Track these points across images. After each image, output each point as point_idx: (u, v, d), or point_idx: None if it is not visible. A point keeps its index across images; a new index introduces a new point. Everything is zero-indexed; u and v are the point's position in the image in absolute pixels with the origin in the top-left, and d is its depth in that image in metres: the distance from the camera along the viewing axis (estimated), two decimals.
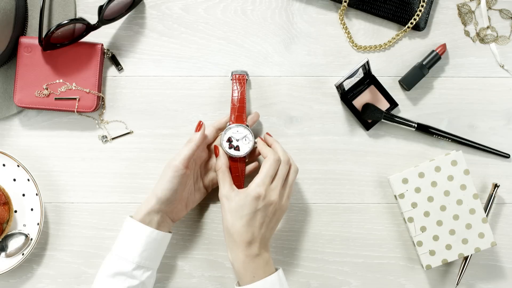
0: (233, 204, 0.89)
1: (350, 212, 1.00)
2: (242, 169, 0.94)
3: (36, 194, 0.97)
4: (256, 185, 0.89)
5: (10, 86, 0.99)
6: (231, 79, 0.96)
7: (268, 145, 0.94)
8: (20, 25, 0.97)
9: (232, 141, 0.94)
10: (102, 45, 0.98)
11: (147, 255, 0.88)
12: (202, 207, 1.00)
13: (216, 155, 0.94)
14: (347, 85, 0.98)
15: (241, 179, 0.94)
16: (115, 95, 1.00)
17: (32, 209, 0.98)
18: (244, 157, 0.94)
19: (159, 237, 0.90)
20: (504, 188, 1.00)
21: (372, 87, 1.00)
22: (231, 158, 0.94)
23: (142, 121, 1.00)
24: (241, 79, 0.96)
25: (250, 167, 0.97)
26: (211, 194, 1.00)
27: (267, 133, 0.97)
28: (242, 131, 0.94)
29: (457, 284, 0.98)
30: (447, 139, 0.99)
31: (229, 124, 0.95)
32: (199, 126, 0.92)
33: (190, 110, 1.00)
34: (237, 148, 0.94)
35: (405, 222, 0.97)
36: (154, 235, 0.89)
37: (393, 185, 0.97)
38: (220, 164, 0.92)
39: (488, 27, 1.00)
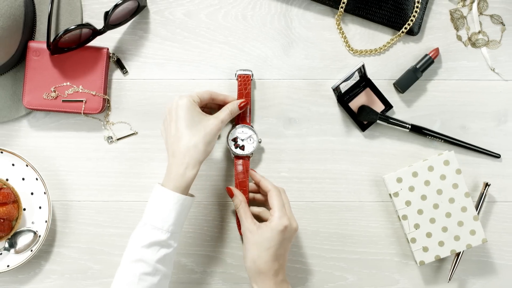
0: (257, 236, 0.90)
1: (346, 210, 1.00)
2: (246, 166, 0.97)
3: (44, 193, 0.98)
4: (279, 218, 0.90)
5: (19, 88, 0.99)
6: (236, 79, 0.98)
7: (256, 182, 0.96)
8: (29, 30, 0.98)
9: (237, 141, 0.97)
10: (108, 49, 0.99)
11: (179, 222, 0.88)
12: (204, 207, 1.01)
13: (231, 196, 0.95)
14: (344, 87, 0.99)
15: (246, 175, 0.97)
16: (120, 97, 1.01)
17: (40, 207, 0.99)
18: (249, 156, 0.97)
19: (189, 203, 0.89)
20: (494, 187, 1.00)
21: (368, 89, 1.00)
22: (236, 157, 0.97)
23: (146, 122, 1.00)
24: (247, 80, 0.97)
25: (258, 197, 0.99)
26: (210, 196, 1.00)
27: (251, 169, 0.98)
28: (247, 131, 0.97)
29: (449, 279, 0.98)
30: (440, 140, 0.99)
31: (234, 125, 0.97)
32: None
33: None
34: (242, 148, 0.97)
35: (399, 219, 0.98)
36: (186, 202, 0.88)
37: (388, 184, 0.97)
38: (238, 202, 0.94)
39: (479, 32, 1.00)
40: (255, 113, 1.01)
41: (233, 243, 1.01)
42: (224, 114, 0.92)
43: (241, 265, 1.01)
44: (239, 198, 0.94)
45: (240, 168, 0.98)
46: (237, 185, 0.98)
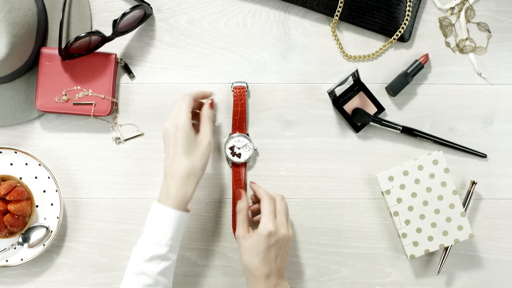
0: (248, 243, 0.91)
1: (341, 207, 1.01)
2: (243, 173, 0.99)
3: (56, 191, 0.99)
4: (264, 224, 0.91)
5: (32, 92, 1.00)
6: (232, 90, 1.00)
7: (253, 191, 0.97)
8: (42, 37, 0.98)
9: (234, 149, 0.99)
10: (116, 55, 0.99)
11: (177, 236, 0.90)
12: (206, 204, 1.02)
13: (239, 198, 0.96)
14: (339, 91, 0.99)
15: (242, 182, 0.99)
16: (127, 100, 1.01)
17: (52, 204, 1.00)
18: (245, 163, 1.00)
19: (187, 219, 0.91)
20: (481, 185, 1.01)
21: (361, 93, 1.01)
22: (234, 164, 1.00)
23: (152, 124, 1.01)
24: (242, 92, 0.99)
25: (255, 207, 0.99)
26: (212, 194, 1.01)
27: (251, 182, 1.00)
28: (243, 140, 0.99)
29: (438, 272, 0.99)
30: (429, 141, 1.00)
31: (231, 134, 0.99)
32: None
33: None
34: (238, 155, 0.99)
35: (391, 216, 0.99)
36: (184, 218, 0.90)
37: (380, 182, 0.98)
38: (242, 207, 0.95)
39: (467, 39, 1.01)
40: (254, 116, 1.02)
41: (234, 238, 1.02)
42: (207, 126, 0.93)
43: None
44: (243, 204, 0.95)
45: (237, 175, 1.00)
46: (234, 191, 1.00)
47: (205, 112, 0.95)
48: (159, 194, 0.92)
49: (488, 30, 1.02)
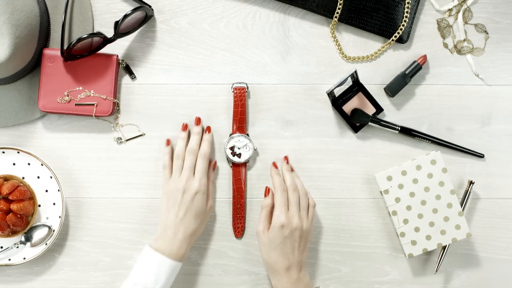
0: (265, 238, 0.94)
1: (340, 207, 1.02)
2: (243, 173, 1.00)
3: (58, 190, 0.99)
4: (277, 216, 0.93)
5: (35, 93, 1.00)
6: (232, 91, 1.00)
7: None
8: (44, 39, 0.99)
9: (234, 149, 0.99)
10: (117, 56, 1.00)
11: (169, 281, 0.93)
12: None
13: (266, 195, 0.98)
14: (338, 92, 1.00)
15: (242, 181, 1.00)
16: (129, 101, 1.02)
17: (54, 204, 1.00)
18: (245, 162, 1.00)
19: (179, 268, 0.95)
20: (478, 184, 1.01)
21: (360, 94, 1.01)
22: (234, 164, 1.00)
23: (153, 125, 1.02)
24: (242, 92, 0.99)
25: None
26: (218, 192, 1.02)
27: (285, 158, 1.00)
28: (243, 140, 1.00)
29: (436, 271, 0.99)
30: (427, 141, 1.00)
31: (231, 134, 1.00)
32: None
33: (197, 114, 1.01)
34: (239, 155, 0.99)
35: (389, 215, 1.00)
36: (178, 268, 0.94)
37: (379, 182, 0.99)
38: (267, 203, 0.96)
39: (464, 40, 1.02)
40: (254, 116, 1.02)
41: (234, 237, 1.02)
42: (211, 191, 0.98)
43: (241, 257, 1.02)
44: (268, 201, 0.96)
45: (237, 174, 1.01)
46: (234, 190, 1.01)
47: (210, 176, 0.98)
48: (154, 241, 0.94)
49: (486, 32, 1.02)
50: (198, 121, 0.99)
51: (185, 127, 0.99)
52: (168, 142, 0.99)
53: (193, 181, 0.95)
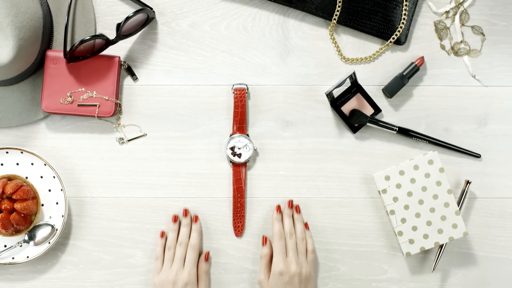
0: (268, 286, 0.95)
1: (339, 206, 1.02)
2: (243, 173, 1.00)
3: (61, 190, 1.00)
4: (275, 264, 0.94)
5: (38, 94, 1.00)
6: (233, 92, 1.01)
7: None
8: (47, 40, 0.99)
9: (234, 150, 1.00)
10: (119, 57, 1.00)
11: None
12: (207, 203, 1.02)
13: (263, 244, 0.98)
14: (336, 93, 1.00)
15: (242, 181, 1.00)
16: (130, 101, 1.02)
17: (57, 203, 1.00)
18: (245, 162, 1.01)
19: None
20: (475, 184, 1.02)
21: (359, 95, 1.01)
22: (234, 164, 1.01)
23: (154, 125, 1.02)
24: (242, 93, 0.99)
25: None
26: (213, 193, 1.02)
27: (290, 202, 1.00)
28: (243, 140, 1.00)
29: (433, 269, 1.00)
30: (425, 141, 1.01)
31: (232, 134, 1.00)
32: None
33: (197, 115, 1.02)
34: (239, 155, 1.00)
35: (387, 214, 1.00)
36: None
37: (377, 182, 0.99)
38: (265, 253, 0.98)
39: (461, 42, 1.02)
40: (254, 117, 1.02)
41: (234, 236, 1.02)
42: (203, 282, 0.97)
43: (242, 256, 1.02)
44: (266, 251, 0.98)
45: (237, 174, 1.01)
46: (234, 190, 1.01)
47: (202, 267, 0.98)
48: None
49: (482, 33, 1.03)
50: (185, 212, 1.00)
51: (175, 218, 1.00)
52: (162, 234, 1.00)
53: (183, 272, 0.95)
